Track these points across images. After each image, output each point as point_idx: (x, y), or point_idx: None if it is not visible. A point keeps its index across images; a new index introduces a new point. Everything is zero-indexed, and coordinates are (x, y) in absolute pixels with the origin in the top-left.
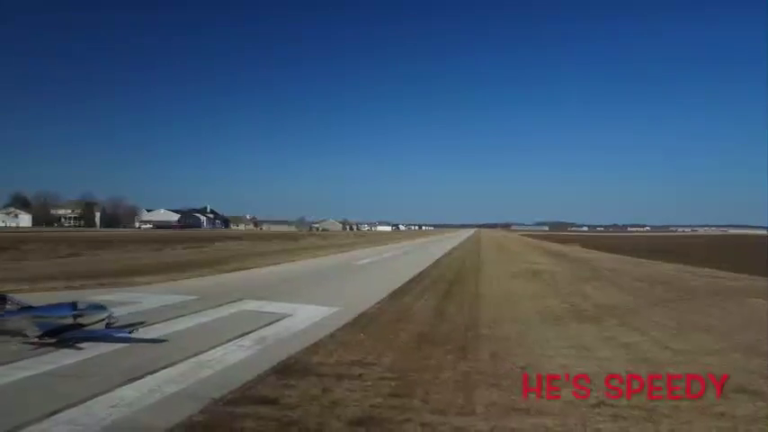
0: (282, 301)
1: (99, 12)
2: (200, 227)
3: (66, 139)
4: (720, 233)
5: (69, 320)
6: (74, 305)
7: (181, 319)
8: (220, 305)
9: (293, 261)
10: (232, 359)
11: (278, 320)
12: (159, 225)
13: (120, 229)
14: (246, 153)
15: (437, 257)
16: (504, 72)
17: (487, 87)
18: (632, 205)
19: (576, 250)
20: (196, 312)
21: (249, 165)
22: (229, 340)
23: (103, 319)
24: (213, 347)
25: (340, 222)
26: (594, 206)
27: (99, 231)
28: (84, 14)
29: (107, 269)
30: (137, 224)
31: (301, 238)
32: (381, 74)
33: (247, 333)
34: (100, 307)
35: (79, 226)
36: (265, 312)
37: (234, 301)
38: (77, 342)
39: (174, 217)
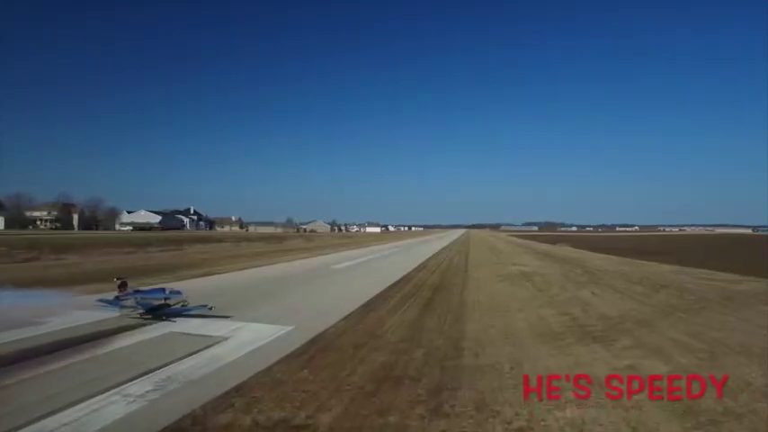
0: (226, 318)
1: (76, 11)
2: (182, 228)
3: (43, 139)
4: (707, 233)
5: (161, 301)
6: (163, 290)
7: (78, 348)
8: (147, 325)
9: (267, 265)
10: (93, 426)
11: (206, 348)
12: (140, 227)
13: (98, 232)
14: (235, 154)
15: (423, 260)
16: (494, 73)
17: (477, 89)
18: (621, 206)
19: (566, 250)
20: (106, 337)
21: (238, 166)
22: (111, 388)
23: (180, 302)
24: (83, 400)
25: (328, 224)
26: (583, 206)
27: (74, 234)
28: (62, 14)
29: (50, 276)
30: (117, 226)
31: (286, 239)
32: (373, 75)
33: (153, 370)
34: (178, 292)
35: (55, 228)
36: (197, 335)
37: (167, 319)
38: (168, 317)
39: (156, 218)
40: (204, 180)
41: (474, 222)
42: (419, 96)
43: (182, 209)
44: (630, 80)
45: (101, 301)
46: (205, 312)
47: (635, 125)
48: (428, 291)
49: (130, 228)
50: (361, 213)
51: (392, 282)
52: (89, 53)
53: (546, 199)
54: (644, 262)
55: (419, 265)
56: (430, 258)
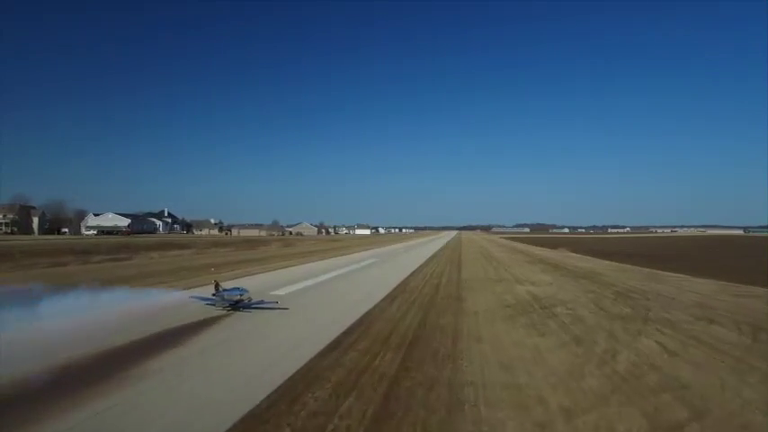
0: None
1: (41, 10)
2: (154, 232)
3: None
4: (700, 234)
5: (238, 297)
6: (238, 288)
7: None
8: None
9: (205, 284)
10: None
11: None
12: (106, 231)
13: (51, 236)
14: (224, 156)
15: (405, 276)
16: (485, 75)
17: (469, 90)
18: (612, 207)
19: (571, 258)
20: None
21: (227, 168)
22: None
23: (246, 297)
24: None
25: (315, 226)
26: (574, 207)
27: (18, 240)
28: (25, 13)
29: None
30: (83, 230)
31: (261, 245)
32: (363, 75)
33: None
34: (245, 290)
35: (11, 233)
36: None
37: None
38: (244, 309)
39: (124, 221)
40: (189, 182)
41: (465, 224)
42: (411, 99)
43: (155, 211)
44: (621, 81)
45: (194, 297)
46: (271, 306)
47: (629, 127)
48: (398, 349)
49: (95, 232)
50: (351, 215)
51: (350, 324)
52: (58, 49)
53: (537, 200)
54: (671, 274)
55: (398, 286)
56: (414, 273)
